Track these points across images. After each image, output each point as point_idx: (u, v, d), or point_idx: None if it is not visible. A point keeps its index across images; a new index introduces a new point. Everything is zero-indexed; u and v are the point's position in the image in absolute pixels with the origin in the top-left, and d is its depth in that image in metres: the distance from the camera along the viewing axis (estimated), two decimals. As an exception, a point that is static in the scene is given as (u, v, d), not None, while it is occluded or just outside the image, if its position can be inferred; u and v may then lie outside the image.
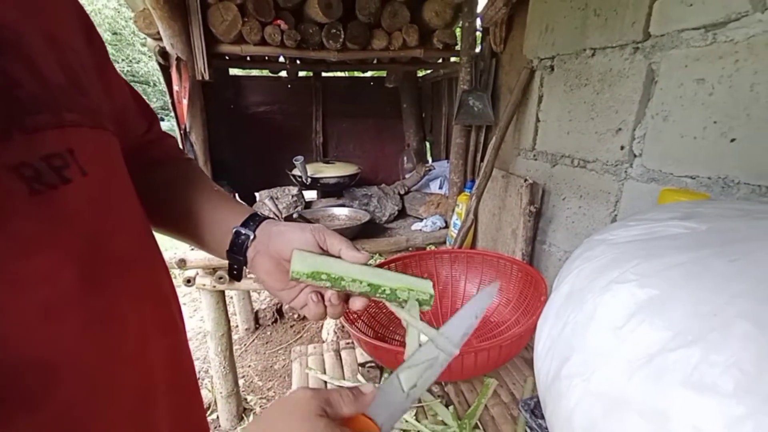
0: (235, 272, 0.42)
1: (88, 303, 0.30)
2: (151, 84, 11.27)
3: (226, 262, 0.43)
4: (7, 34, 0.27)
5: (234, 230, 0.41)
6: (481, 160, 1.52)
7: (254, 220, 0.41)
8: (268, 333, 2.43)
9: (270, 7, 1.30)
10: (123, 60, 10.77)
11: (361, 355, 0.82)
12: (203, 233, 0.43)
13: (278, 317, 2.53)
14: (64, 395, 0.28)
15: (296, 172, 1.73)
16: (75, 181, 0.29)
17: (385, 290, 0.37)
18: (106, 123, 0.35)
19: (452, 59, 1.65)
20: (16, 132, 0.26)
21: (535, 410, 0.62)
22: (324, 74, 2.10)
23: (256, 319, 2.49)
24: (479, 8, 1.39)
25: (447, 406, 0.66)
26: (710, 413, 0.26)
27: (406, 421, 0.62)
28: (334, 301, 0.39)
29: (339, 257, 0.38)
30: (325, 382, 0.75)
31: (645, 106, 0.76)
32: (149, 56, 11.79)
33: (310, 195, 1.94)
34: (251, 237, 0.40)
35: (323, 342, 0.85)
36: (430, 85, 2.14)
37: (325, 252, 0.39)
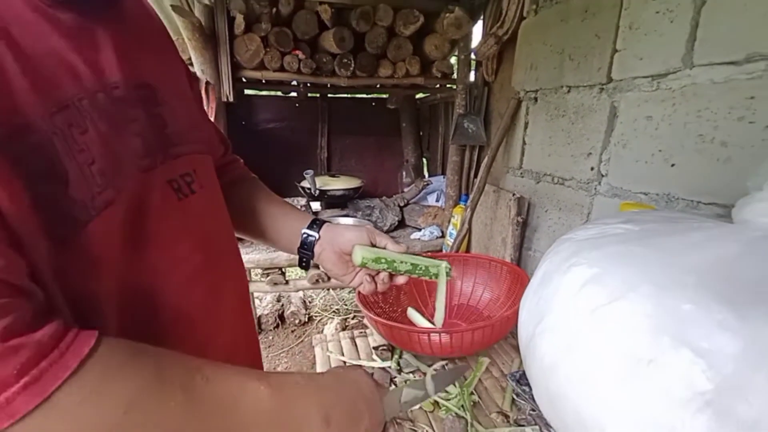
0: (304, 264, 0.57)
1: (208, 277, 0.45)
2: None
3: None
4: (156, 90, 0.42)
5: (302, 232, 0.55)
6: (475, 176, 1.69)
7: (317, 224, 0.56)
8: (270, 337, 2.53)
9: (289, 39, 1.47)
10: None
11: (374, 341, 0.95)
12: (278, 236, 0.58)
13: (280, 322, 2.63)
14: (198, 335, 0.42)
15: (305, 184, 1.88)
16: (197, 192, 0.44)
17: (422, 267, 0.52)
18: (208, 149, 0.51)
19: (449, 86, 1.83)
20: (168, 158, 0.41)
21: (521, 380, 0.76)
22: (330, 95, 2.28)
23: (259, 324, 2.58)
24: (474, 43, 1.58)
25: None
26: (627, 342, 0.41)
27: (416, 389, 0.76)
28: (385, 280, 0.54)
29: (385, 249, 0.53)
30: (344, 362, 0.88)
31: (609, 135, 0.93)
32: None
33: (315, 206, 2.08)
34: (317, 237, 0.55)
35: (340, 331, 0.98)
36: (428, 107, 2.32)
37: (374, 245, 0.54)
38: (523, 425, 0.67)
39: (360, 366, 0.47)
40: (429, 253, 1.50)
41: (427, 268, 0.53)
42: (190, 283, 0.42)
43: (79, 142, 0.30)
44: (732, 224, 0.49)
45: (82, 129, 0.30)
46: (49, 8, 0.31)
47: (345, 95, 2.34)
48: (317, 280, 1.66)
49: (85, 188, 0.30)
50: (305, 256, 0.56)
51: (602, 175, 0.96)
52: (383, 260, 0.52)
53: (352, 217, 1.87)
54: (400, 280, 0.55)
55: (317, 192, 1.88)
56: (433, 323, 0.85)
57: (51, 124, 0.28)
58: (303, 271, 0.65)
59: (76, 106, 0.30)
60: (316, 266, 0.59)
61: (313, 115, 2.30)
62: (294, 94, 2.21)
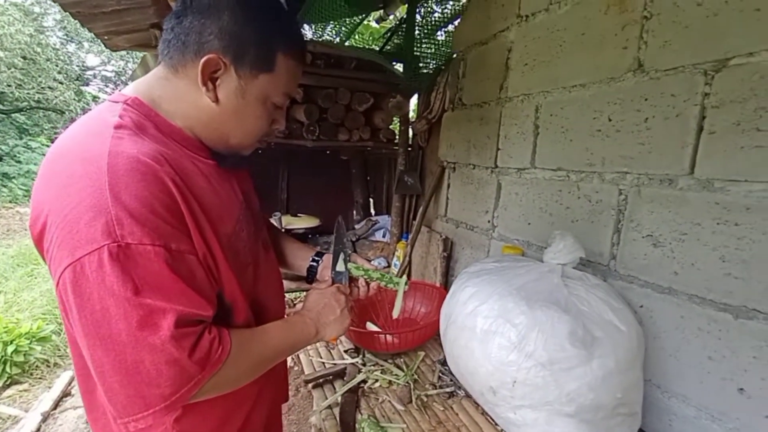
0: (309, 279, 0.93)
1: (279, 292, 0.81)
2: (64, 113, 10.69)
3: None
4: (250, 195, 0.78)
5: (311, 259, 0.92)
6: (413, 218, 2.15)
7: (319, 255, 0.93)
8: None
9: (267, 110, 1.84)
10: (32, 88, 10.10)
11: (343, 346, 1.31)
12: (293, 262, 0.94)
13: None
14: (268, 317, 0.77)
15: (273, 222, 2.19)
16: (271, 247, 0.81)
17: (388, 277, 0.90)
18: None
19: (393, 148, 2.31)
20: (261, 232, 0.78)
21: (444, 363, 1.18)
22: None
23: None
24: (411, 113, 2.08)
25: (399, 368, 1.19)
26: (485, 323, 0.85)
27: (379, 373, 1.13)
28: (364, 284, 0.90)
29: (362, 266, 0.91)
30: (323, 363, 1.23)
31: (498, 201, 1.44)
32: (66, 85, 11.26)
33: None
34: (320, 262, 0.92)
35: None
36: (375, 158, 2.79)
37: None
38: (444, 387, 1.09)
39: (330, 285, 0.82)
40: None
41: (391, 278, 0.91)
42: (274, 292, 0.78)
43: (241, 237, 0.66)
44: (541, 263, 0.97)
45: (242, 229, 0.66)
46: (206, 160, 0.65)
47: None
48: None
49: (244, 258, 0.66)
50: (312, 275, 0.92)
51: (495, 226, 1.46)
52: (362, 269, 0.88)
53: (312, 251, 2.21)
54: (373, 285, 0.91)
55: (283, 230, 2.20)
56: (381, 331, 1.24)
57: (234, 230, 0.64)
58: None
59: (240, 218, 0.66)
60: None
61: (275, 160, 2.63)
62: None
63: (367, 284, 0.91)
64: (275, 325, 0.70)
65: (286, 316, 0.81)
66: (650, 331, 0.91)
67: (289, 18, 0.66)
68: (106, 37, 1.52)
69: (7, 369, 2.53)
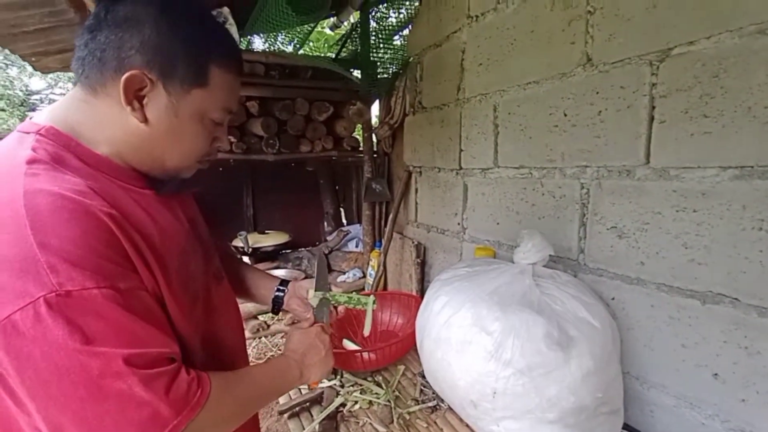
0: (275, 309, 0.86)
1: (236, 324, 0.74)
2: None
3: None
4: (197, 221, 0.72)
5: (276, 289, 0.86)
6: (385, 225, 2.11)
7: (284, 284, 0.87)
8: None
9: (222, 126, 1.75)
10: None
11: (320, 369, 1.25)
12: (257, 292, 0.87)
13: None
14: (226, 352, 0.70)
15: (238, 243, 2.09)
16: (224, 277, 0.74)
17: (356, 299, 0.85)
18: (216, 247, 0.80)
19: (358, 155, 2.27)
20: (211, 261, 0.71)
21: (425, 376, 1.14)
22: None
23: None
24: (373, 119, 2.05)
25: (379, 385, 1.13)
26: (460, 333, 0.82)
27: (358, 393, 1.08)
28: (332, 309, 0.85)
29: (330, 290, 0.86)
30: (299, 388, 1.16)
31: (465, 202, 1.43)
32: (9, 112, 10.56)
33: (246, 261, 2.28)
34: (285, 291, 0.86)
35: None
36: (342, 167, 2.74)
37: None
38: (426, 402, 1.04)
39: (313, 325, 0.77)
40: (362, 292, 1.84)
41: (359, 299, 0.86)
42: (234, 331, 0.71)
43: (189, 269, 0.59)
44: (512, 264, 0.95)
45: (188, 261, 0.60)
46: (142, 190, 0.59)
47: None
48: (258, 330, 1.87)
49: (192, 291, 0.59)
50: (278, 305, 0.86)
51: (464, 228, 1.44)
52: (331, 296, 0.84)
53: (283, 268, 2.13)
54: (341, 308, 0.87)
55: (250, 249, 2.10)
56: (359, 348, 1.19)
57: (181, 262, 0.57)
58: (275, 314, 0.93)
59: (186, 249, 0.60)
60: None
61: (237, 178, 2.53)
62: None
63: (335, 308, 0.86)
64: (258, 368, 0.65)
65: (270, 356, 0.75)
66: (624, 323, 0.91)
67: (219, 27, 0.60)
68: (33, 59, 1.39)
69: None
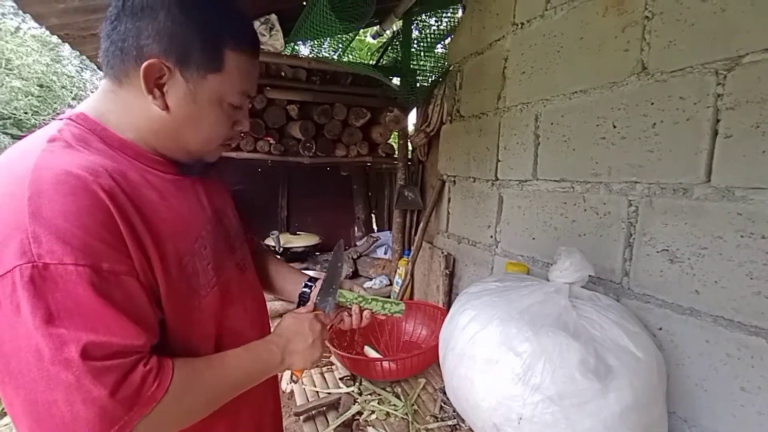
0: (301, 305, 0.86)
1: (258, 318, 0.74)
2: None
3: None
4: (225, 211, 0.72)
5: (303, 284, 0.85)
6: (414, 234, 2.08)
7: (312, 281, 0.86)
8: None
9: (262, 128, 1.81)
10: (48, 114, 10.44)
11: (339, 373, 1.23)
12: (284, 289, 0.87)
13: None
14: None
15: (270, 242, 2.14)
16: (249, 269, 0.74)
17: (380, 303, 0.82)
18: (246, 241, 0.81)
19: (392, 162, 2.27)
20: (236, 251, 0.71)
21: (445, 393, 1.09)
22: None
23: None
24: (410, 127, 2.04)
25: (398, 397, 1.10)
26: (486, 351, 0.77)
27: (375, 403, 1.05)
28: (357, 312, 0.82)
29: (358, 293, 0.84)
30: (317, 392, 1.15)
31: (500, 215, 1.37)
32: None
33: (278, 260, 2.33)
34: (313, 288, 0.85)
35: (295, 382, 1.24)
36: (376, 173, 2.75)
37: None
38: (445, 420, 0.99)
39: (311, 311, 0.73)
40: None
41: (384, 304, 0.83)
42: (252, 322, 0.71)
43: (204, 255, 0.60)
44: (546, 282, 0.89)
45: (205, 246, 0.60)
46: (164, 174, 0.59)
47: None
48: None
49: (205, 278, 0.60)
50: (304, 301, 0.85)
51: (497, 242, 1.38)
52: (360, 299, 0.81)
53: (312, 270, 2.15)
54: (366, 314, 0.82)
55: (281, 249, 2.14)
56: (378, 357, 1.16)
57: (193, 248, 0.58)
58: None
59: (202, 235, 0.60)
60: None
61: (274, 178, 2.60)
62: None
63: (361, 312, 0.84)
64: (234, 353, 0.61)
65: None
66: (672, 358, 0.82)
67: (233, 12, 0.59)
68: (99, 60, 1.51)
69: None
